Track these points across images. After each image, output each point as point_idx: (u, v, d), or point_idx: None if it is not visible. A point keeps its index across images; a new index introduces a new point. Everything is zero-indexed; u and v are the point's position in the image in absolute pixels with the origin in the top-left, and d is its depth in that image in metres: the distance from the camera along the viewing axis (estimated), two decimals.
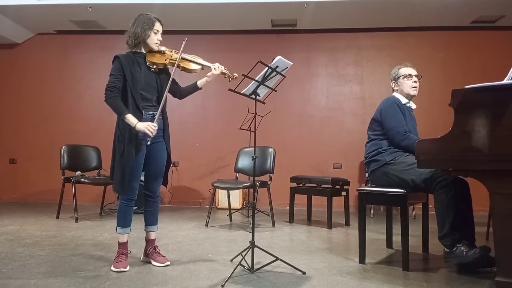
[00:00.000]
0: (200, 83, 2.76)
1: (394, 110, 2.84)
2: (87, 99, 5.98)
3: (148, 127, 2.42)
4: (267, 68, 2.45)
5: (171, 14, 5.26)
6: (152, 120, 2.54)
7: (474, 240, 2.46)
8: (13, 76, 6.24)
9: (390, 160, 2.77)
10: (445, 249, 2.50)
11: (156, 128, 2.47)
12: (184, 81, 2.87)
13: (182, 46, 2.60)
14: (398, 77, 3.00)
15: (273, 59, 2.46)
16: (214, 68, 2.70)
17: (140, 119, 2.48)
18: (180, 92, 2.80)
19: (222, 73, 2.75)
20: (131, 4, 4.92)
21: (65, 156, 4.72)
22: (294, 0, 4.92)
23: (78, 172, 4.69)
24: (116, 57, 2.53)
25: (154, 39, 2.58)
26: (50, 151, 5.83)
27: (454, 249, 2.44)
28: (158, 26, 2.59)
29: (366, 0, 4.89)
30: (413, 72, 2.99)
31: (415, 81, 2.97)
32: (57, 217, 4.51)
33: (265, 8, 5.12)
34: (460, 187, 2.49)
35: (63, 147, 4.76)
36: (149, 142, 2.51)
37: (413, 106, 3.04)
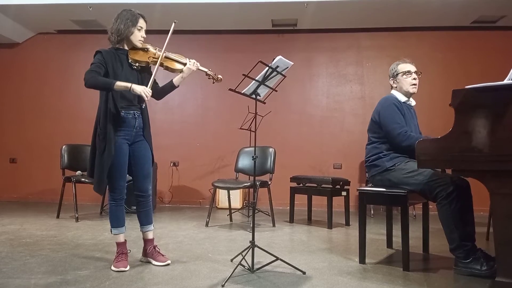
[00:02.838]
0: (175, 80, 2.67)
1: (393, 111, 2.76)
2: (87, 98, 5.95)
3: (144, 91, 2.37)
4: (267, 68, 2.45)
5: (172, 13, 5.25)
6: (133, 119, 2.53)
7: (474, 241, 2.46)
8: (13, 76, 6.24)
9: (390, 166, 2.71)
10: (459, 259, 2.45)
11: (151, 93, 2.43)
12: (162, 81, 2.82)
13: (165, 43, 2.55)
14: (397, 74, 2.89)
15: (274, 59, 2.45)
16: (189, 63, 2.62)
17: (118, 119, 2.46)
18: (157, 92, 2.71)
19: (207, 74, 2.70)
20: (132, 4, 4.91)
21: (66, 155, 4.73)
22: (295, 0, 4.91)
23: (79, 172, 4.69)
24: (98, 51, 2.49)
25: (138, 36, 2.53)
26: (50, 151, 5.83)
27: (469, 260, 2.39)
28: (142, 23, 2.54)
29: (366, 0, 4.89)
30: (412, 68, 2.87)
31: (414, 78, 2.86)
32: (58, 217, 4.51)
33: (265, 8, 5.12)
34: (462, 191, 2.46)
35: (64, 146, 4.76)
36: (144, 105, 2.43)
37: (413, 102, 2.95)
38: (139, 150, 2.62)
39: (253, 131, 3.08)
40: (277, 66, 2.49)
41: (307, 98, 5.97)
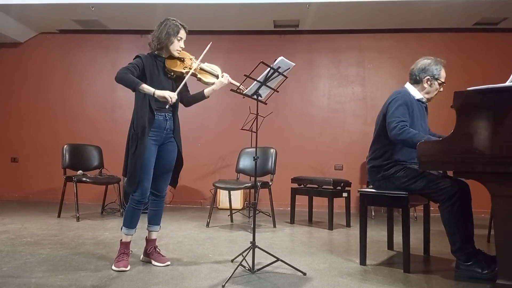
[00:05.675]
0: (206, 91, 2.76)
1: (400, 106, 2.63)
2: (89, 98, 5.99)
3: (168, 93, 2.41)
4: (269, 68, 2.45)
5: (174, 14, 5.23)
6: (164, 121, 2.57)
7: (473, 243, 2.45)
8: (15, 75, 6.25)
9: (390, 175, 2.68)
10: (460, 262, 2.45)
11: (176, 97, 2.46)
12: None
13: (202, 55, 2.63)
14: (437, 78, 2.78)
15: (275, 59, 2.46)
16: (222, 76, 2.69)
17: (152, 120, 2.51)
18: (187, 100, 2.80)
19: (238, 88, 2.66)
20: (134, 4, 4.92)
21: (67, 155, 4.73)
22: (297, 1, 4.92)
23: (80, 171, 4.69)
24: (138, 56, 2.57)
25: (176, 46, 2.60)
26: (52, 150, 5.83)
27: (470, 263, 2.40)
28: (182, 34, 2.62)
29: (368, 2, 4.89)
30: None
31: (440, 91, 2.82)
32: (59, 216, 4.51)
33: (267, 8, 5.12)
34: (463, 193, 2.45)
35: (65, 146, 4.76)
36: (168, 106, 2.44)
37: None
38: (165, 151, 2.65)
39: (254, 132, 3.09)
40: (279, 67, 2.49)
41: (308, 99, 5.97)
